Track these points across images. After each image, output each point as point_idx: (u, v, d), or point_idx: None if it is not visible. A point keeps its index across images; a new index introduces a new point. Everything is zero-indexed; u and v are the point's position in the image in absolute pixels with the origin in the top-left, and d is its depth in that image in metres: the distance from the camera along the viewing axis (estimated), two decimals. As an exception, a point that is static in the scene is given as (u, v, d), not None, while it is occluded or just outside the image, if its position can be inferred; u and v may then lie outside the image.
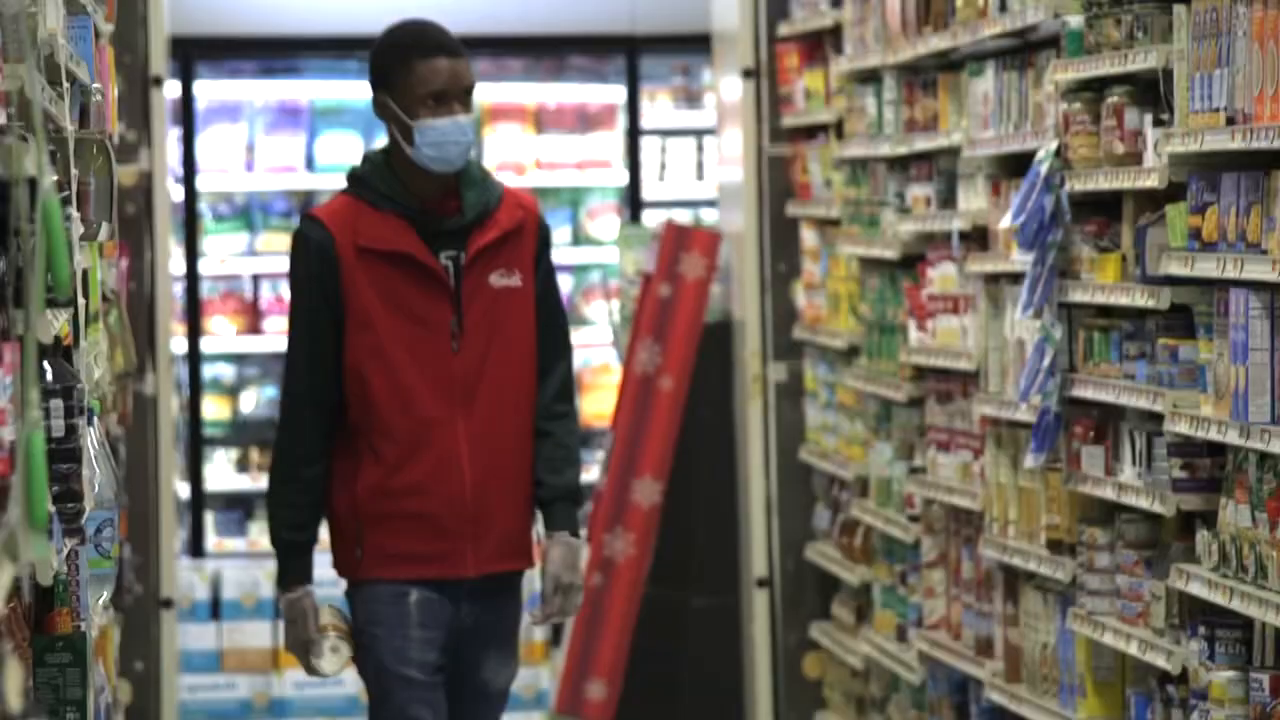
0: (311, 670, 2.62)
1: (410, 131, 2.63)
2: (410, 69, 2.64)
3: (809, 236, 4.21)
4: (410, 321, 2.63)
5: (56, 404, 1.87)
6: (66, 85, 2.18)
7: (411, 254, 2.63)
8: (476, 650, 2.65)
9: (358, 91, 5.59)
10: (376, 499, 2.63)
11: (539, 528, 2.68)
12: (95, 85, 2.54)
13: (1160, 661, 2.63)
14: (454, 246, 2.65)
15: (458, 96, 2.64)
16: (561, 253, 5.71)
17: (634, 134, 5.44)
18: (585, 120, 5.53)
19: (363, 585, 2.65)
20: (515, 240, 2.67)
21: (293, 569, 2.65)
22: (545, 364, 2.69)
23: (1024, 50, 3.11)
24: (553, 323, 2.70)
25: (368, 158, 2.70)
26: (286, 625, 2.65)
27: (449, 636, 2.63)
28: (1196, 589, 2.51)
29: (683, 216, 5.37)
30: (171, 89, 4.75)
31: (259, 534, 5.28)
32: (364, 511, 2.64)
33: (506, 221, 2.67)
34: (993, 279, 3.22)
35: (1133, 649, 2.71)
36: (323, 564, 2.68)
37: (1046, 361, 2.91)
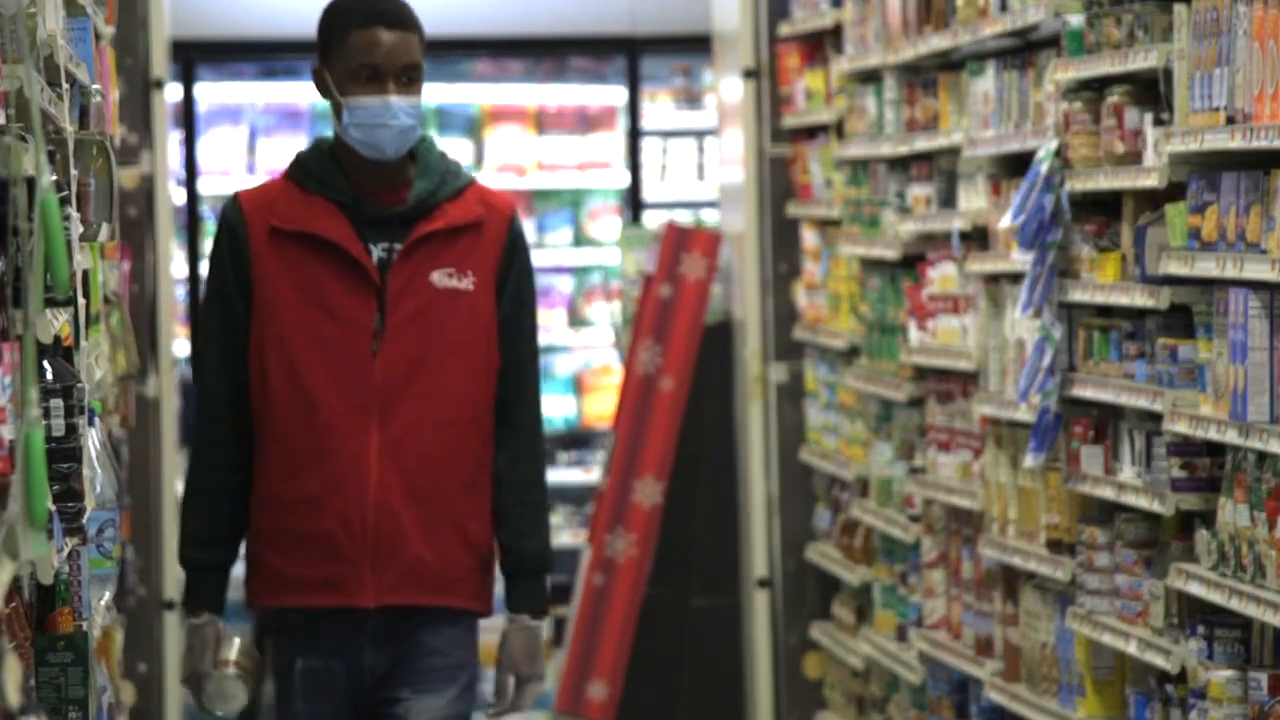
0: (203, 707, 2.35)
1: (340, 109, 2.33)
2: (345, 39, 2.33)
3: (809, 237, 4.21)
4: (325, 315, 2.31)
5: (56, 403, 1.87)
6: (66, 86, 2.18)
7: (330, 239, 2.32)
8: (394, 689, 2.32)
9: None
10: (269, 512, 2.33)
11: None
12: (95, 86, 2.54)
13: (1159, 661, 2.62)
14: (390, 238, 2.33)
15: (394, 74, 2.31)
16: (562, 254, 5.71)
17: (635, 135, 5.44)
18: (586, 121, 5.54)
19: (262, 620, 2.38)
20: (470, 239, 2.33)
21: (196, 592, 2.37)
22: (509, 392, 2.35)
23: (1024, 50, 3.11)
24: (519, 344, 2.36)
25: (316, 140, 2.41)
26: (184, 654, 2.37)
27: (355, 693, 2.31)
28: (1195, 588, 2.51)
29: (683, 217, 5.38)
30: (173, 92, 4.76)
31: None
32: (258, 527, 2.35)
33: (457, 215, 2.33)
34: (993, 279, 3.22)
35: (1132, 648, 2.70)
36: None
37: (1046, 361, 2.91)
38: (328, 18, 2.40)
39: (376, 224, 2.34)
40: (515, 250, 2.37)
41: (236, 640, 2.38)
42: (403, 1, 2.36)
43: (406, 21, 2.34)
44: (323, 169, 2.36)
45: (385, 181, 2.35)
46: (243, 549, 2.42)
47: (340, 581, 2.31)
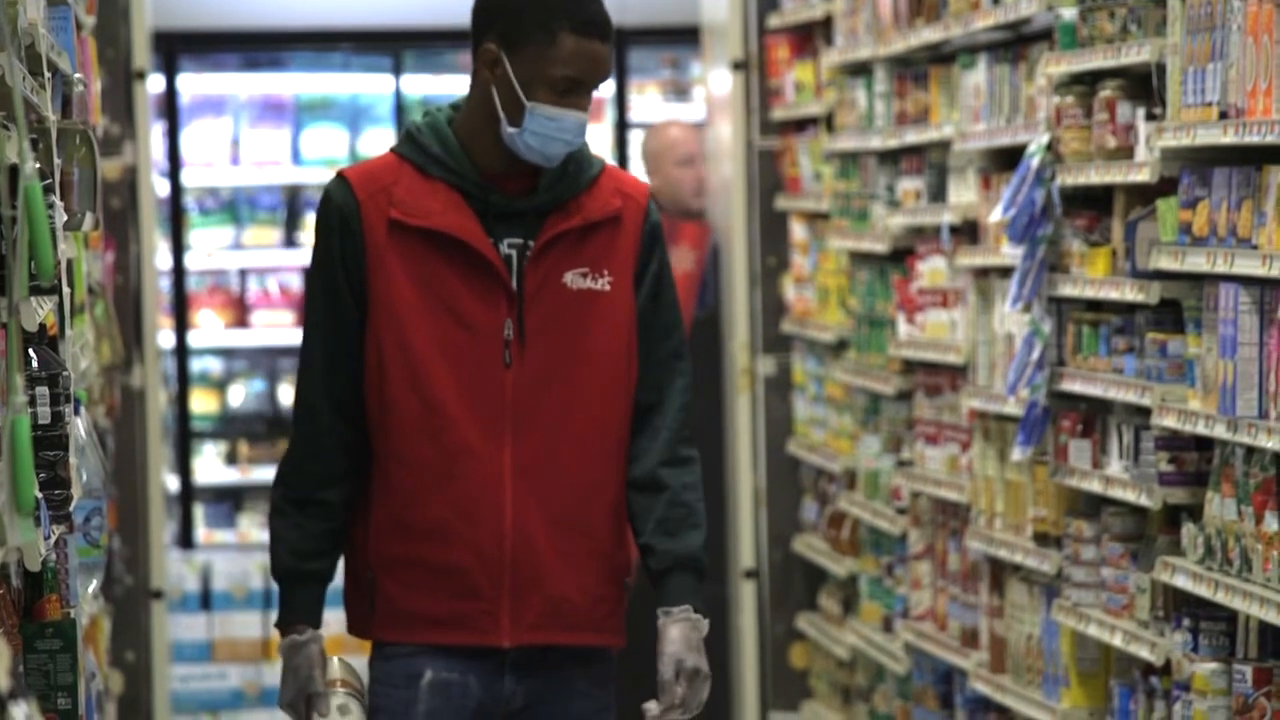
0: None
1: (521, 111, 2.02)
2: (554, 39, 2.02)
3: (798, 230, 4.21)
4: (452, 322, 2.03)
5: (42, 391, 1.86)
6: (48, 76, 2.16)
7: (460, 236, 2.03)
8: None
9: (343, 84, 5.60)
10: (390, 540, 2.06)
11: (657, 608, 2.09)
12: (77, 75, 2.52)
13: (1144, 653, 2.63)
14: (520, 233, 2.05)
15: (591, 90, 2.06)
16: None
17: (622, 127, 5.43)
18: (574, 113, 5.51)
19: (375, 652, 2.10)
20: (608, 234, 2.07)
21: (297, 605, 2.08)
22: (653, 396, 2.09)
23: (1016, 43, 3.11)
24: (665, 344, 2.09)
25: (429, 112, 2.10)
26: (285, 675, 2.08)
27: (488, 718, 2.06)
28: (1181, 581, 2.52)
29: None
30: (155, 83, 4.74)
31: (248, 526, 5.29)
32: (376, 555, 2.07)
33: (595, 209, 2.07)
34: (982, 273, 3.22)
35: (1117, 640, 2.71)
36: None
37: (1035, 355, 2.92)
38: (534, 5, 2.05)
39: (504, 217, 2.06)
40: (654, 242, 2.10)
41: (336, 659, 2.13)
42: (605, 6, 2.09)
43: (612, 32, 2.07)
44: (446, 151, 2.06)
45: (514, 169, 2.07)
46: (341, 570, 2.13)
47: (473, 619, 2.06)
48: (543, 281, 2.07)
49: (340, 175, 2.10)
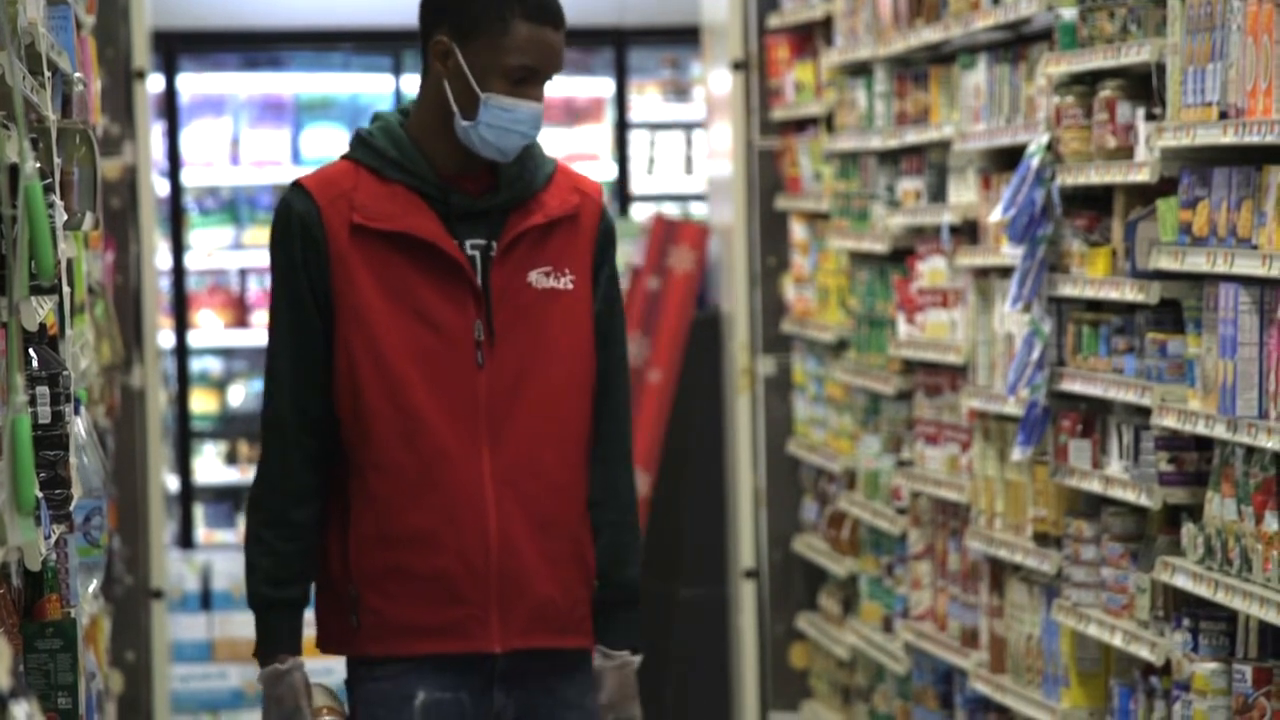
0: None
1: (475, 103, 2.00)
2: (508, 28, 2.00)
3: (798, 230, 4.21)
4: (421, 325, 2.01)
5: (43, 391, 1.86)
6: (48, 75, 2.15)
7: (424, 237, 2.01)
8: None
9: (343, 84, 5.61)
10: (372, 551, 2.02)
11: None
12: (77, 75, 2.52)
13: (1144, 653, 2.63)
14: (483, 233, 2.03)
15: (545, 80, 2.03)
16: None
17: (622, 127, 5.44)
18: (573, 113, 5.53)
19: (360, 669, 2.06)
20: (567, 232, 2.05)
21: (277, 635, 2.04)
22: (602, 403, 2.08)
23: (1016, 43, 3.11)
24: (610, 349, 2.08)
25: (378, 116, 2.08)
26: (268, 705, 2.04)
27: None
28: (1181, 581, 2.52)
29: (671, 210, 5.37)
30: (155, 83, 4.74)
31: (247, 526, 5.28)
32: (358, 568, 2.03)
33: (555, 206, 2.05)
34: (982, 273, 3.22)
35: (1117, 640, 2.71)
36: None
37: (1035, 355, 2.92)
38: None
39: (465, 218, 2.03)
40: (608, 243, 2.09)
41: (318, 686, 2.08)
42: None
43: (564, 20, 2.05)
44: (402, 153, 2.04)
45: (471, 168, 2.04)
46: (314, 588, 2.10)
47: (463, 625, 2.03)
48: (508, 281, 2.05)
49: (297, 184, 2.07)
